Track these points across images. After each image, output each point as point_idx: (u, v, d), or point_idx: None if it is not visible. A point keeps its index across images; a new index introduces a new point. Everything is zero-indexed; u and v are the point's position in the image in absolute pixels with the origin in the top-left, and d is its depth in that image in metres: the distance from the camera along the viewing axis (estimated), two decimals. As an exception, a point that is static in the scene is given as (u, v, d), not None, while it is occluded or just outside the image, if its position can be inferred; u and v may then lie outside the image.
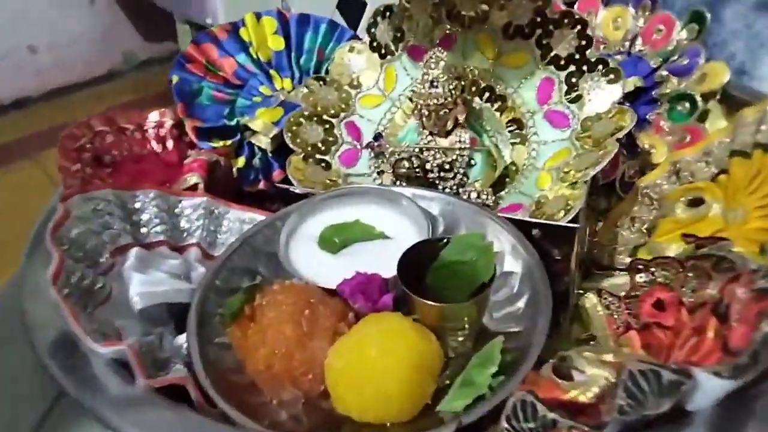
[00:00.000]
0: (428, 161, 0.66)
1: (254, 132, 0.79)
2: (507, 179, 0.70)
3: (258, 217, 0.65)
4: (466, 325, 0.49)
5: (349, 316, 0.49)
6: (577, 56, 0.68)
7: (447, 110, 0.64)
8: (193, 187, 0.66)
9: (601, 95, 0.68)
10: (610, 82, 0.68)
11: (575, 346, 0.55)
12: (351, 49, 0.76)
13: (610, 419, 0.35)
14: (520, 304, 0.52)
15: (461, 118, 0.65)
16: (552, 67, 0.69)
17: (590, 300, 0.58)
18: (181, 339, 0.50)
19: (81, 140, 0.66)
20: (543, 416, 0.36)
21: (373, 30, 0.75)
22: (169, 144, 0.77)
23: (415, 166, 0.66)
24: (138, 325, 0.50)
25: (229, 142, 0.79)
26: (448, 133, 0.66)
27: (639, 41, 0.82)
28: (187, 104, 0.79)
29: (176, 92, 0.80)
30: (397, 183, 0.67)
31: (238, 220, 0.65)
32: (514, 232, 0.56)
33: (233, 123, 0.81)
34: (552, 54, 0.68)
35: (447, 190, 0.66)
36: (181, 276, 0.56)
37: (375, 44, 0.75)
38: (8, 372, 0.53)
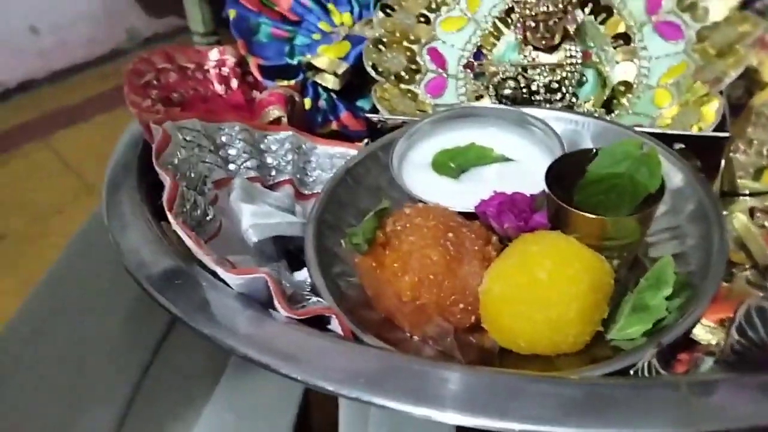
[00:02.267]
0: (534, 80, 0.59)
1: (318, 70, 0.73)
2: (615, 101, 0.63)
3: (349, 151, 0.59)
4: (626, 246, 0.43)
5: (493, 239, 0.43)
6: (691, -42, 0.61)
7: (556, 20, 0.57)
8: (276, 121, 0.59)
9: (718, 1, 0.61)
10: (728, -15, 0.61)
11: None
12: (426, -31, 0.69)
13: None
14: (680, 220, 0.46)
15: (572, 28, 0.58)
16: (663, -28, 0.62)
17: (740, 219, 0.52)
18: (301, 275, 0.44)
19: (146, 76, 0.59)
20: (791, 324, 0.30)
21: (453, -54, 0.68)
22: (233, 84, 0.70)
23: (521, 86, 0.59)
24: (253, 261, 0.43)
25: (293, 82, 0.73)
26: (554, 48, 0.59)
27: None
28: (247, 41, 0.72)
29: (234, 29, 0.73)
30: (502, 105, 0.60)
31: (327, 156, 0.58)
32: (659, 145, 0.49)
33: (295, 62, 0.74)
34: (664, -45, 0.61)
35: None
36: (287, 209, 0.49)
37: (455, -39, 0.68)
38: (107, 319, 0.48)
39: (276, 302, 0.37)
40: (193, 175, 0.45)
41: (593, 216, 0.41)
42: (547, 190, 0.43)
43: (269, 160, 0.56)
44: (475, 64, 0.61)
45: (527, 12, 0.57)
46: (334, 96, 0.73)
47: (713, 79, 0.57)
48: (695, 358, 0.34)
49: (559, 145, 0.49)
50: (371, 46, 0.66)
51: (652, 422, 0.30)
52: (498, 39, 0.67)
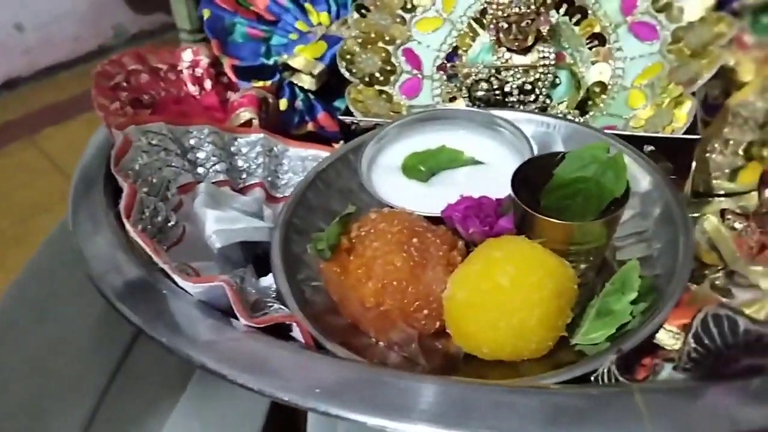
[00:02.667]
0: (507, 82, 0.59)
1: (295, 71, 0.72)
2: (590, 102, 0.63)
3: (321, 153, 0.58)
4: (593, 250, 0.42)
5: (459, 244, 0.42)
6: (665, -42, 0.61)
7: (529, 21, 0.57)
8: (247, 123, 0.59)
9: (693, 2, 0.61)
10: (702, -14, 0.60)
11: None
12: (402, -31, 0.69)
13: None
14: (648, 224, 0.46)
15: (544, 30, 0.58)
16: (637, -27, 0.62)
17: (711, 222, 0.52)
18: (266, 281, 0.44)
19: (115, 78, 0.59)
20: (746, 331, 0.30)
21: (427, -55, 0.67)
22: (207, 85, 0.69)
23: (494, 87, 0.59)
24: (216, 268, 0.43)
25: (269, 83, 0.72)
26: (527, 50, 0.59)
27: (714, -51, 0.75)
28: (221, 41, 0.72)
29: (208, 29, 0.72)
30: (474, 107, 0.59)
31: (299, 158, 0.58)
32: (628, 148, 0.49)
33: (271, 62, 0.73)
34: (638, -45, 0.61)
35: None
36: (254, 214, 0.49)
37: (430, -38, 0.68)
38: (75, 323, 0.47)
39: (236, 310, 0.37)
40: (155, 180, 0.44)
41: (559, 221, 0.41)
42: (513, 195, 0.42)
43: (240, 163, 0.55)
44: (448, 65, 0.61)
45: (499, 13, 0.57)
46: (311, 96, 0.73)
47: (687, 80, 0.57)
48: (654, 365, 0.34)
49: (528, 148, 0.49)
50: (345, 47, 0.65)
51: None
52: (474, 40, 0.67)
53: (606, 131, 0.52)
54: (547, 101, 0.60)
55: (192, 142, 0.52)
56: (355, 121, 0.60)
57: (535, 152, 0.49)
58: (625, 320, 0.39)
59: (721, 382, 0.31)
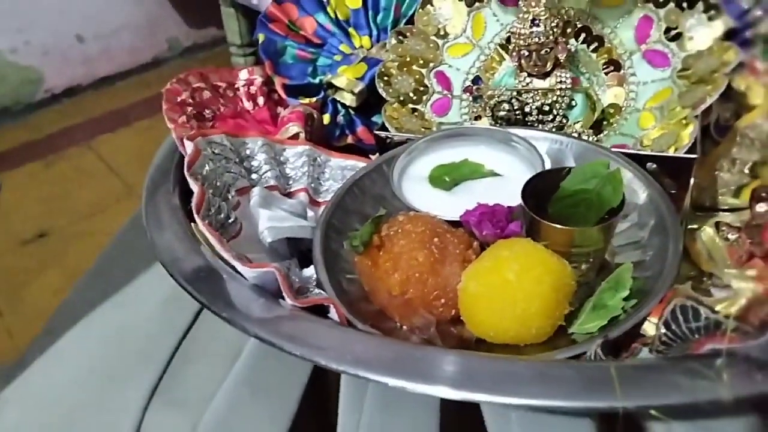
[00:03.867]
0: (528, 103, 0.65)
1: (338, 89, 0.80)
2: (605, 122, 0.69)
3: (358, 164, 0.66)
4: (592, 252, 0.49)
5: (474, 245, 0.49)
6: (677, -8, 0.66)
7: (548, 50, 0.64)
8: (295, 137, 0.67)
9: (702, 32, 0.67)
10: (710, 18, 0.66)
11: (685, 282, 0.55)
12: (435, 0, 0.76)
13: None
14: (643, 233, 0.52)
15: (562, 57, 0.65)
16: (650, 5, 0.68)
17: (707, 233, 0.57)
18: (308, 272, 0.51)
19: (182, 94, 0.67)
20: (706, 318, 0.36)
21: (459, -22, 0.74)
22: (260, 101, 0.78)
23: (515, 108, 0.65)
24: (267, 258, 0.51)
25: (314, 100, 0.80)
26: (547, 75, 0.66)
27: (730, -18, 0.80)
28: (273, 62, 0.80)
29: (263, 51, 0.81)
30: (496, 126, 0.66)
31: (339, 168, 0.65)
32: (631, 165, 0.55)
33: (317, 81, 0.81)
34: (653, -10, 0.67)
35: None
36: (300, 215, 0.56)
37: (462, -8, 0.75)
38: (145, 304, 0.55)
39: (284, 292, 0.44)
40: (219, 184, 0.53)
41: (560, 227, 0.47)
42: (522, 203, 0.49)
43: (287, 170, 0.63)
44: (474, 88, 0.68)
45: (521, 42, 0.64)
46: (352, 112, 0.80)
47: (693, 104, 0.62)
48: (634, 348, 0.40)
49: (541, 163, 0.55)
50: (383, 69, 0.73)
51: (588, 396, 0.36)
52: (500, 64, 0.73)
53: (612, 149, 0.58)
54: (564, 121, 0.66)
55: (248, 152, 0.60)
56: (390, 136, 0.67)
57: (547, 167, 0.56)
58: (617, 314, 0.45)
59: (678, 360, 0.37)
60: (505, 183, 0.57)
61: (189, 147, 0.51)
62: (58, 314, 0.74)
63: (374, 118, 0.81)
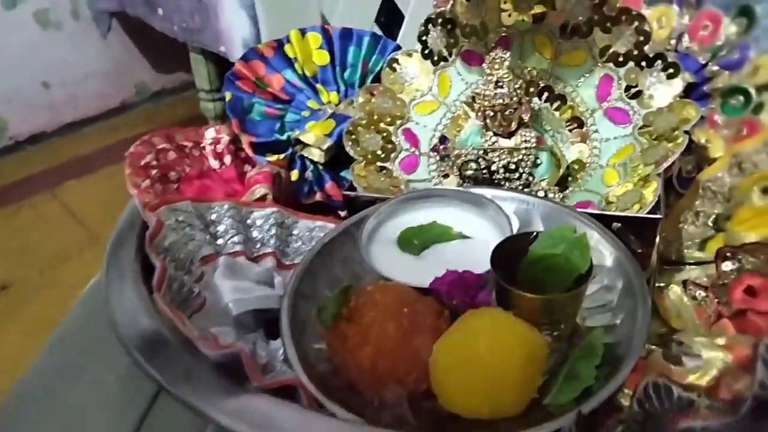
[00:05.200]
0: (494, 162, 0.66)
1: (306, 145, 0.80)
2: (570, 178, 0.70)
3: (327, 225, 0.65)
4: (563, 319, 0.48)
5: (445, 313, 0.48)
6: (636, 52, 0.68)
7: (512, 110, 0.65)
8: (262, 198, 0.66)
9: (662, 90, 0.69)
10: (669, 76, 0.68)
11: (656, 340, 0.55)
12: (401, 59, 0.77)
13: (749, 394, 0.35)
14: (612, 296, 0.52)
15: (526, 117, 0.66)
16: (611, 65, 0.69)
17: (675, 292, 0.58)
18: (276, 344, 0.50)
19: (146, 157, 0.66)
20: (678, 397, 0.36)
21: (424, 38, 0.75)
22: (227, 160, 0.77)
23: (482, 167, 0.66)
24: (233, 332, 0.49)
25: (282, 156, 0.80)
26: (512, 134, 0.66)
27: (686, 38, 0.82)
28: (240, 120, 0.80)
29: (229, 109, 0.80)
30: (464, 185, 0.66)
31: (308, 229, 0.65)
32: (597, 226, 0.55)
33: (284, 137, 0.81)
34: (610, 51, 0.69)
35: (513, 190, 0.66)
36: (266, 283, 0.55)
37: (427, 51, 0.76)
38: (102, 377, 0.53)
39: (249, 374, 0.43)
40: (181, 256, 0.51)
41: (531, 295, 0.47)
42: (492, 271, 0.49)
43: (254, 234, 0.62)
44: (441, 147, 0.68)
45: (486, 103, 0.65)
46: (320, 168, 0.80)
47: (655, 161, 0.63)
48: (608, 425, 0.40)
49: (508, 225, 0.56)
50: (350, 127, 0.73)
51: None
52: (466, 121, 0.74)
53: (578, 210, 0.59)
54: (530, 179, 0.67)
55: (213, 216, 0.59)
56: (357, 195, 0.67)
57: (515, 229, 0.56)
58: (589, 383, 0.45)
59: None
60: (473, 246, 0.57)
61: (151, 220, 0.50)
62: (20, 387, 0.71)
63: (343, 174, 0.82)
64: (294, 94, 0.86)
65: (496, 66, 0.64)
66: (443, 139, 0.71)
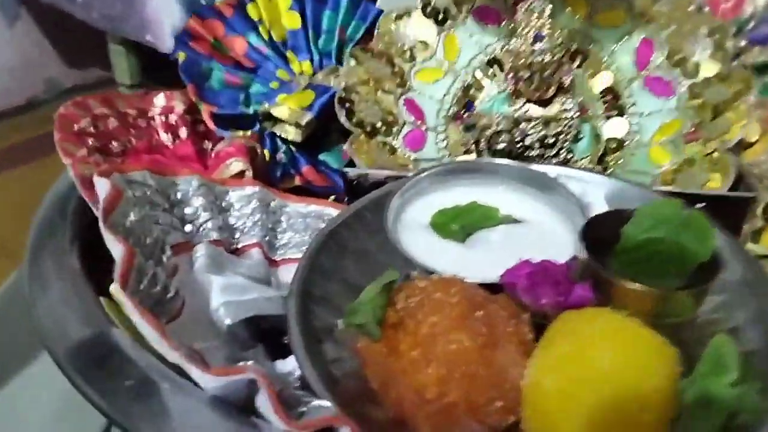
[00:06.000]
0: (528, 134, 0.54)
1: (278, 121, 0.66)
2: (606, 157, 0.59)
3: (325, 210, 0.51)
4: (679, 324, 0.36)
5: (523, 317, 0.35)
6: (679, 13, 0.58)
7: (552, 71, 0.53)
8: (239, 175, 0.51)
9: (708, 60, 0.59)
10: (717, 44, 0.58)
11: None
12: (399, 17, 0.64)
13: None
14: (722, 296, 0.40)
15: (567, 81, 0.54)
16: (653, 26, 0.59)
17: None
18: (286, 365, 0.35)
19: (81, 122, 0.50)
20: None
21: (427, -8, 0.63)
22: (182, 133, 0.61)
23: (515, 140, 0.53)
24: (224, 348, 0.34)
25: (249, 133, 0.65)
26: (547, 102, 0.55)
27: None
28: (198, 86, 0.64)
29: (184, 72, 0.65)
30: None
31: (300, 215, 0.50)
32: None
33: (251, 111, 0.67)
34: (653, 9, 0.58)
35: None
36: (263, 281, 0.40)
37: (430, 9, 0.63)
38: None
39: (273, 413, 0.28)
40: (148, 240, 0.35)
41: (646, 288, 0.34)
42: (586, 255, 0.36)
43: (232, 220, 0.47)
44: (465, 115, 0.55)
45: (521, 62, 0.52)
46: (293, 149, 0.66)
47: (718, 137, 0.53)
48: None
49: (575, 207, 0.43)
50: (344, 95, 0.59)
51: None
52: (480, 91, 0.62)
53: (655, 189, 0.48)
54: (569, 156, 0.55)
55: (179, 195, 0.44)
56: (362, 173, 0.53)
57: (583, 210, 0.43)
58: (734, 407, 0.33)
59: None
60: (529, 231, 0.44)
61: (103, 187, 0.34)
62: None
63: (322, 156, 0.68)
64: (259, 61, 0.71)
65: (536, 15, 0.52)
66: (469, 105, 0.58)
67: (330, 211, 0.50)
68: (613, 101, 0.60)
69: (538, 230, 0.44)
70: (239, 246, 0.46)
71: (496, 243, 0.43)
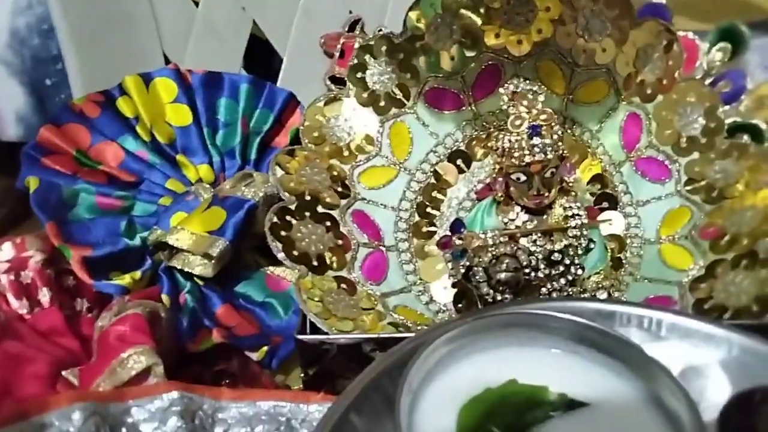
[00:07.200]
0: (532, 253, 0.41)
1: (176, 251, 0.50)
2: (619, 269, 0.47)
3: (281, 404, 0.34)
4: None
5: None
6: (665, 81, 0.49)
7: (553, 170, 0.41)
8: (143, 374, 0.33)
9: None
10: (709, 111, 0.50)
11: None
12: (327, 103, 0.50)
13: None
14: None
15: (570, 178, 0.42)
16: (637, 99, 0.49)
17: None
18: None
19: None
20: None
21: (360, 74, 0.49)
22: (43, 296, 0.42)
23: (522, 264, 0.40)
24: None
25: (139, 274, 0.48)
26: (543, 209, 0.43)
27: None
28: (59, 222, 0.47)
29: (38, 206, 0.47)
30: (495, 296, 0.40)
31: (245, 419, 0.33)
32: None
33: (137, 242, 0.50)
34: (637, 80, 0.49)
35: (555, 293, 0.42)
36: None
37: (367, 94, 0.49)
38: None
39: None
40: None
41: None
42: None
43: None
44: (455, 238, 0.41)
45: (516, 162, 0.40)
46: (201, 283, 0.50)
47: (748, 230, 0.44)
48: None
49: (665, 378, 0.30)
50: (277, 215, 0.44)
51: None
52: (442, 193, 0.49)
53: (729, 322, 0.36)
54: (579, 273, 0.43)
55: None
56: (328, 341, 0.37)
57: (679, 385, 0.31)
58: None
59: None
60: (595, 419, 0.30)
61: None
62: None
63: (239, 288, 0.52)
64: (141, 172, 0.56)
65: (528, 103, 0.40)
66: (457, 224, 0.44)
67: (289, 407, 0.33)
68: (603, 189, 0.50)
69: (604, 416, 0.30)
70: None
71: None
